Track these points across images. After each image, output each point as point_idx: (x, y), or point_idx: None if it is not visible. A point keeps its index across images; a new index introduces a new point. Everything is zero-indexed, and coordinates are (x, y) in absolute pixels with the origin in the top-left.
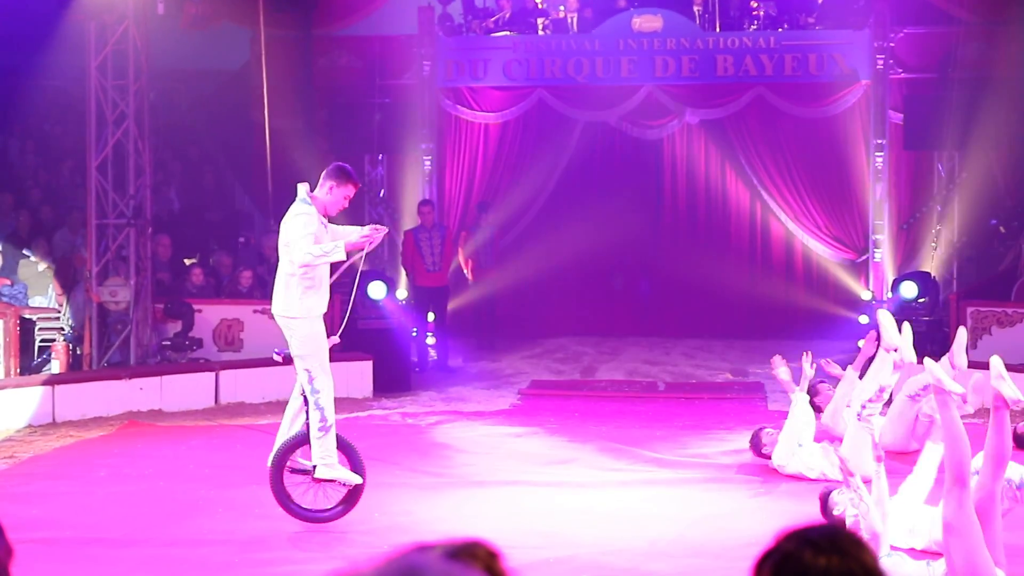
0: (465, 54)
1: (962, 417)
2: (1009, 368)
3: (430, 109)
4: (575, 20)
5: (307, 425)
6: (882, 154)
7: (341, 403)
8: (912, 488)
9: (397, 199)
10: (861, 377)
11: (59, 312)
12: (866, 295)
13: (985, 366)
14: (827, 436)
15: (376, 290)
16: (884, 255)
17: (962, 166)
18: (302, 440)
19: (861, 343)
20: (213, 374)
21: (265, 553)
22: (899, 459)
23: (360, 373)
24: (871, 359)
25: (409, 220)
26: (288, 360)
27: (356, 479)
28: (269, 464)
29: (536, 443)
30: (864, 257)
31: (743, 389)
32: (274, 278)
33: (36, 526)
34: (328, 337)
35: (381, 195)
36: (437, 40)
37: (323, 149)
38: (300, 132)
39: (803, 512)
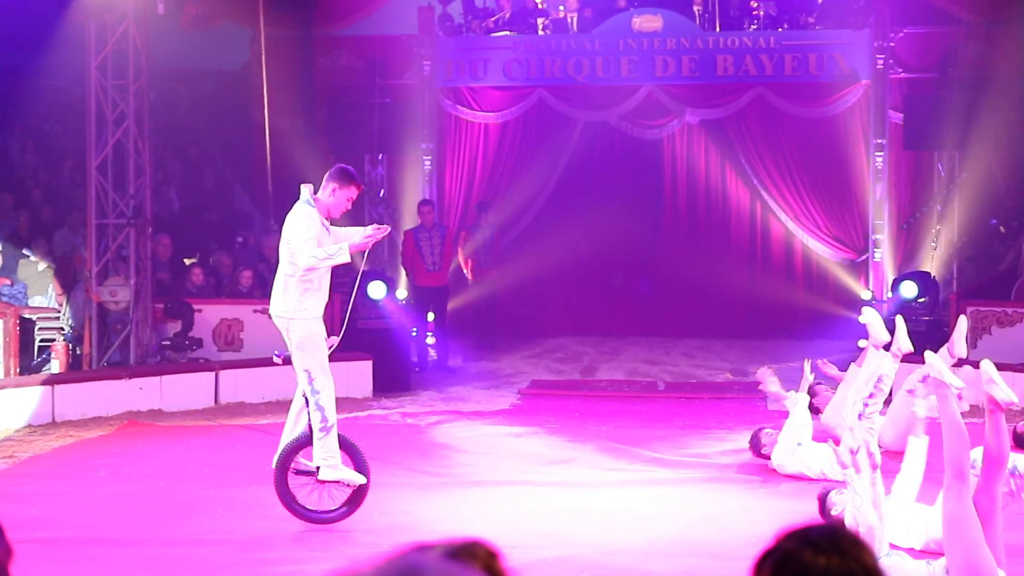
0: (465, 54)
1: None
2: (1009, 368)
3: (430, 109)
4: (575, 20)
5: (310, 426)
6: (882, 154)
7: (341, 403)
8: (902, 486)
9: (397, 199)
10: None
11: (59, 312)
12: (866, 295)
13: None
14: (827, 436)
15: (376, 290)
16: (884, 255)
17: (962, 166)
18: (305, 441)
19: (862, 343)
20: (213, 374)
21: (265, 553)
22: (900, 459)
23: (360, 373)
24: None
25: (409, 220)
26: (288, 362)
27: (360, 479)
28: (273, 466)
29: (536, 443)
30: (864, 257)
31: (743, 389)
32: (274, 278)
33: (36, 526)
34: (328, 337)
35: (381, 195)
36: (437, 40)
37: (323, 149)
38: (300, 132)
39: (803, 512)
